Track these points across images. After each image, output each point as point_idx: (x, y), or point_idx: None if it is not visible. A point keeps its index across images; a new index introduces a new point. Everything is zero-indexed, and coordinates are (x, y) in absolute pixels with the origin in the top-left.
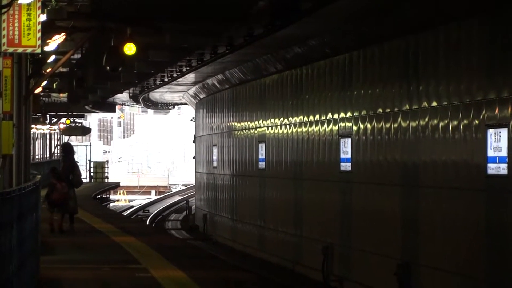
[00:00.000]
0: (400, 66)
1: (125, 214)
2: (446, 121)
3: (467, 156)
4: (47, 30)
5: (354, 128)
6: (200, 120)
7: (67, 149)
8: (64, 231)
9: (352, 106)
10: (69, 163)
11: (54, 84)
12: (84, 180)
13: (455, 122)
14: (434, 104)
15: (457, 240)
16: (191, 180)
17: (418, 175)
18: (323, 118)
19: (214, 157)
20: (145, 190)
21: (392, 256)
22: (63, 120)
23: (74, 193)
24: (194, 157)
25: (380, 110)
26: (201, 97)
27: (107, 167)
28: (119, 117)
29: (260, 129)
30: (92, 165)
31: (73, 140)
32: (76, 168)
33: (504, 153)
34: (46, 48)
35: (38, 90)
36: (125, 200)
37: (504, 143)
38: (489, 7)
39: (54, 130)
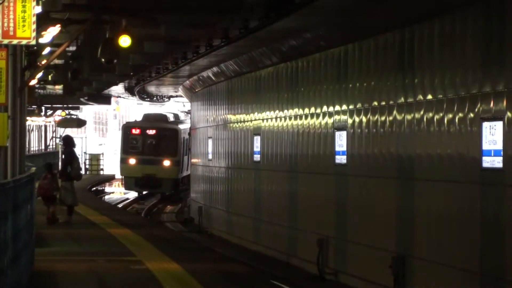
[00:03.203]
0: (396, 59)
1: (120, 206)
2: (441, 114)
3: (462, 149)
4: (42, 22)
5: (349, 121)
6: (196, 113)
7: (66, 142)
8: (51, 223)
9: (347, 99)
10: (68, 156)
11: (49, 76)
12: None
13: (450, 115)
14: (429, 97)
15: (452, 233)
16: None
17: (413, 168)
18: (318, 111)
19: (209, 150)
20: None
21: (387, 248)
22: (59, 112)
23: (72, 186)
24: (189, 149)
25: (376, 103)
26: (197, 89)
27: (103, 159)
28: (114, 109)
29: (255, 122)
30: (87, 157)
31: (68, 132)
32: (74, 160)
33: (499, 146)
34: (41, 40)
35: (33, 82)
36: (120, 192)
37: (499, 136)
38: None
39: (50, 122)
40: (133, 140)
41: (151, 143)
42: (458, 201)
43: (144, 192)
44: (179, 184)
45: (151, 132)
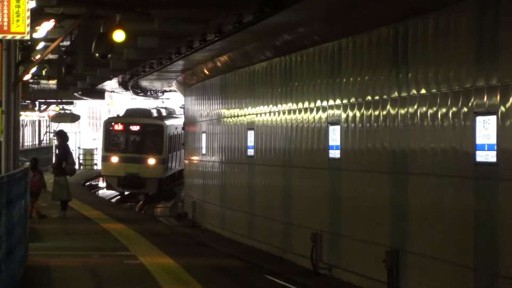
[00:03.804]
0: (389, 53)
1: (114, 201)
2: (435, 109)
3: (456, 143)
4: (36, 17)
5: (343, 115)
6: (189, 107)
7: (60, 137)
8: (41, 218)
9: (341, 93)
10: (62, 151)
11: (43, 71)
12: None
13: (444, 110)
14: (423, 91)
15: (446, 228)
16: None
17: (407, 162)
18: (312, 105)
19: (203, 144)
20: None
21: (381, 243)
22: (52, 107)
23: (66, 181)
24: (183, 144)
25: (369, 97)
26: (190, 84)
27: (96, 154)
28: (108, 104)
29: (249, 116)
30: (81, 152)
31: (62, 127)
32: (69, 156)
33: (492, 140)
34: (35, 35)
35: (27, 77)
36: None
37: (492, 131)
38: None
39: (43, 117)
40: (115, 137)
41: (135, 140)
42: (451, 196)
43: (126, 193)
44: (164, 184)
45: (135, 128)
